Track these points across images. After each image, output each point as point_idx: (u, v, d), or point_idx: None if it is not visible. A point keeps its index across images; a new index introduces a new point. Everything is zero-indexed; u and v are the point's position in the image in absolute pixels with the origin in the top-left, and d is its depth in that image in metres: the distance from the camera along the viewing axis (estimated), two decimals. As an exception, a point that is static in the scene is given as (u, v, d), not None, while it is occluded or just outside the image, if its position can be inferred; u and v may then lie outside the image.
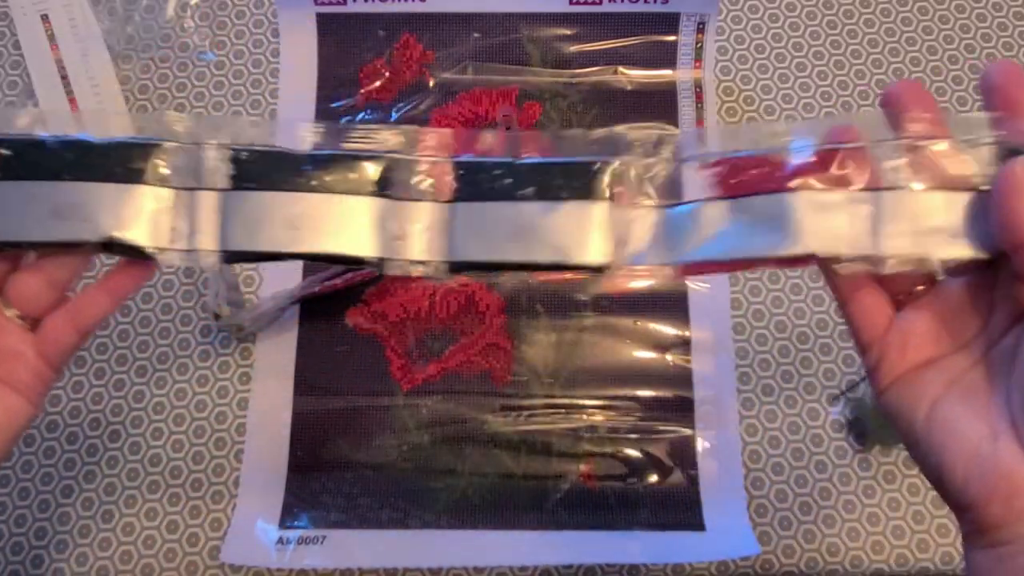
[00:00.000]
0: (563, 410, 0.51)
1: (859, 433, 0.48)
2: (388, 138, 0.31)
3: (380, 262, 0.30)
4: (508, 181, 0.30)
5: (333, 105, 0.56)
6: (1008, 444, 0.23)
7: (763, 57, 0.58)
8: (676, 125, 0.55)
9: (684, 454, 0.50)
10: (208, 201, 0.31)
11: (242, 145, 0.31)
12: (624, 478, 0.49)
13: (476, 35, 0.57)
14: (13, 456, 0.50)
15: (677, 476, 0.49)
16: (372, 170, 0.30)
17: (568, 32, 0.56)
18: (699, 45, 0.56)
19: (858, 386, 0.46)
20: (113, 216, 0.30)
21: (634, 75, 0.56)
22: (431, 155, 0.31)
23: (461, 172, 0.31)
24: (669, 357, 0.51)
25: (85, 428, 0.51)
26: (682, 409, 0.51)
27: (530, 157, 0.31)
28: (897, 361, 0.27)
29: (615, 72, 0.56)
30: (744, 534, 0.47)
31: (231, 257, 0.31)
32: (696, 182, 0.30)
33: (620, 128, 0.33)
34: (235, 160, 0.31)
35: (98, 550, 0.49)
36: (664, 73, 0.56)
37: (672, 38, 0.56)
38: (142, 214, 0.30)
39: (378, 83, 0.57)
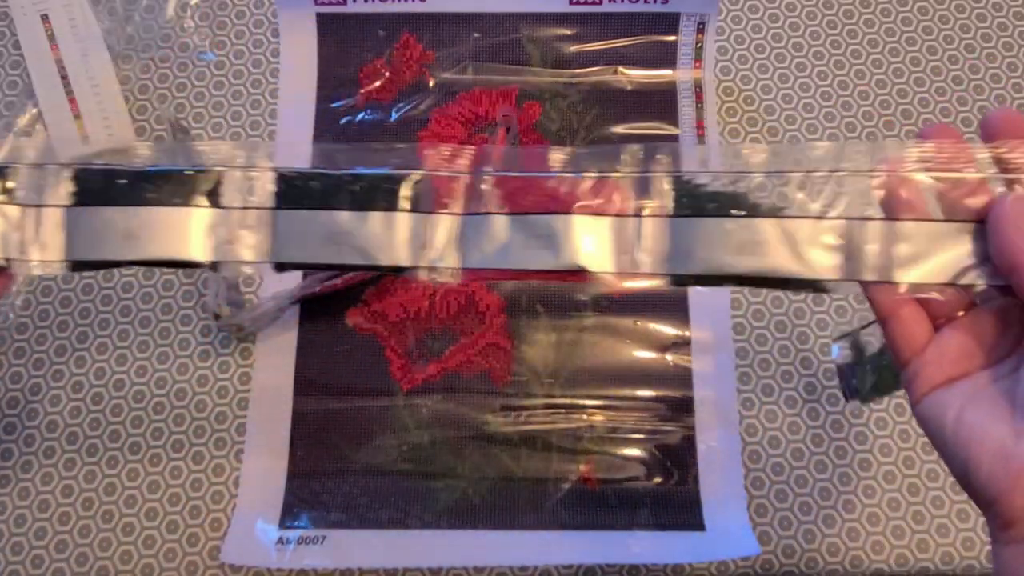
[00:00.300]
0: (563, 410, 0.51)
1: (852, 380, 0.43)
2: (221, 149, 0.35)
3: (213, 265, 0.34)
4: (325, 190, 0.35)
5: (333, 105, 0.56)
6: None
7: (763, 57, 0.58)
8: (676, 125, 0.56)
9: (684, 454, 0.50)
10: (53, 217, 0.34)
11: (83, 164, 0.35)
12: (624, 478, 0.49)
13: (476, 35, 0.57)
14: (13, 455, 0.50)
15: (677, 476, 0.49)
16: (203, 183, 0.34)
17: (568, 32, 0.56)
18: (699, 45, 0.56)
19: (867, 328, 0.40)
20: None
21: (634, 75, 0.56)
22: (268, 167, 0.35)
23: (282, 183, 0.35)
24: (669, 357, 0.51)
25: (85, 428, 0.51)
26: (682, 409, 0.51)
27: (348, 168, 0.35)
28: (933, 376, 0.29)
29: (615, 72, 0.56)
30: (744, 534, 0.47)
31: (76, 266, 0.35)
32: (490, 196, 0.34)
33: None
34: (76, 179, 0.35)
35: (98, 550, 0.49)
36: (664, 73, 0.56)
37: (672, 38, 0.56)
38: None
39: (378, 83, 0.57)
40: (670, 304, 0.52)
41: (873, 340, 0.41)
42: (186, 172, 0.35)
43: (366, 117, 0.56)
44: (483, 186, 0.34)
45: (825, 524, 0.49)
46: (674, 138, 0.55)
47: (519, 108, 0.56)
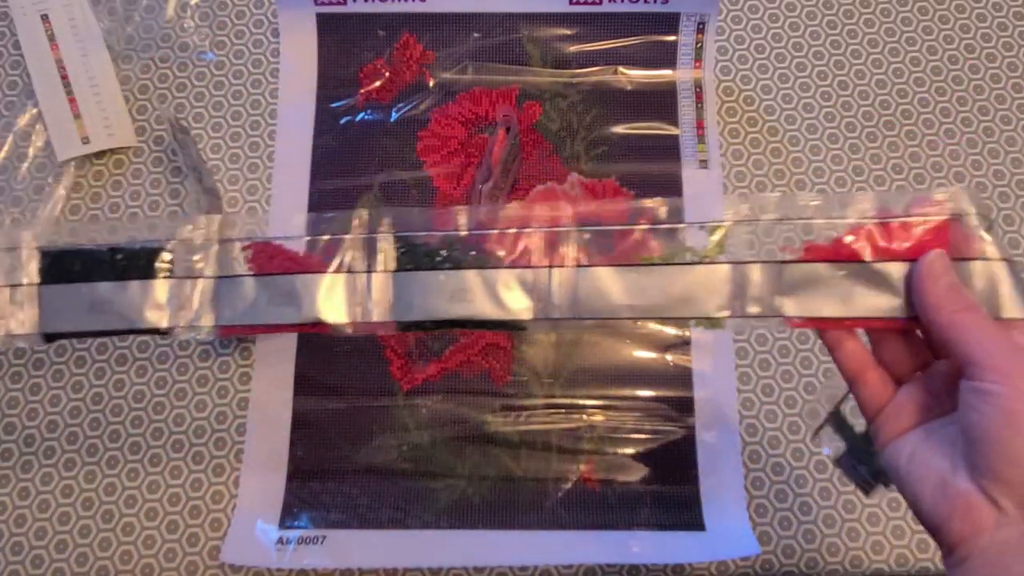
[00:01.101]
0: (563, 410, 0.51)
1: (859, 468, 0.41)
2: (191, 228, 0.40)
3: (169, 330, 0.39)
4: (87, 265, 0.40)
5: (333, 105, 0.56)
6: (963, 474, 0.29)
7: (763, 57, 0.58)
8: (676, 125, 0.56)
9: (684, 454, 0.50)
10: (27, 292, 0.40)
11: (48, 248, 0.40)
12: (624, 478, 0.49)
13: (476, 35, 0.57)
14: (13, 456, 0.50)
15: (677, 476, 0.49)
16: (160, 258, 0.39)
17: (568, 32, 0.56)
18: (699, 45, 0.56)
19: (842, 404, 0.39)
20: None
21: (634, 75, 0.56)
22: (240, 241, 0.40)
23: (46, 260, 0.40)
24: (669, 357, 0.51)
25: (85, 428, 0.51)
26: (682, 409, 0.51)
27: (107, 244, 0.40)
28: (894, 427, 0.33)
29: (615, 72, 0.56)
30: (744, 534, 0.47)
31: (50, 337, 0.40)
32: (240, 260, 0.39)
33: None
34: (43, 256, 0.40)
35: (98, 550, 0.49)
36: (664, 73, 0.56)
37: (672, 38, 0.56)
38: None
39: (378, 83, 0.57)
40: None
41: (858, 421, 0.40)
42: (147, 250, 0.40)
43: (366, 117, 0.56)
44: (234, 251, 0.39)
45: (825, 524, 0.49)
46: (674, 138, 0.55)
47: (519, 108, 0.56)
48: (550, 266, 0.37)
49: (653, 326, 0.52)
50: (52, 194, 0.55)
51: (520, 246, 0.38)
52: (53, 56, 0.56)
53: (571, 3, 0.56)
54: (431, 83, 0.57)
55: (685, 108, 0.56)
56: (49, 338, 0.40)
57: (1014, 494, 0.28)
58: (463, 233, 0.38)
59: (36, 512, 0.49)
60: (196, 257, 0.39)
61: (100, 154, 0.56)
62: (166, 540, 0.49)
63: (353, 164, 0.55)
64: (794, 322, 0.35)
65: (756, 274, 0.36)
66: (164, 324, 0.39)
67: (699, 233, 0.37)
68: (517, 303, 0.38)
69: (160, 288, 0.39)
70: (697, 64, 0.56)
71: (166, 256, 0.39)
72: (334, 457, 0.50)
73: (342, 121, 0.56)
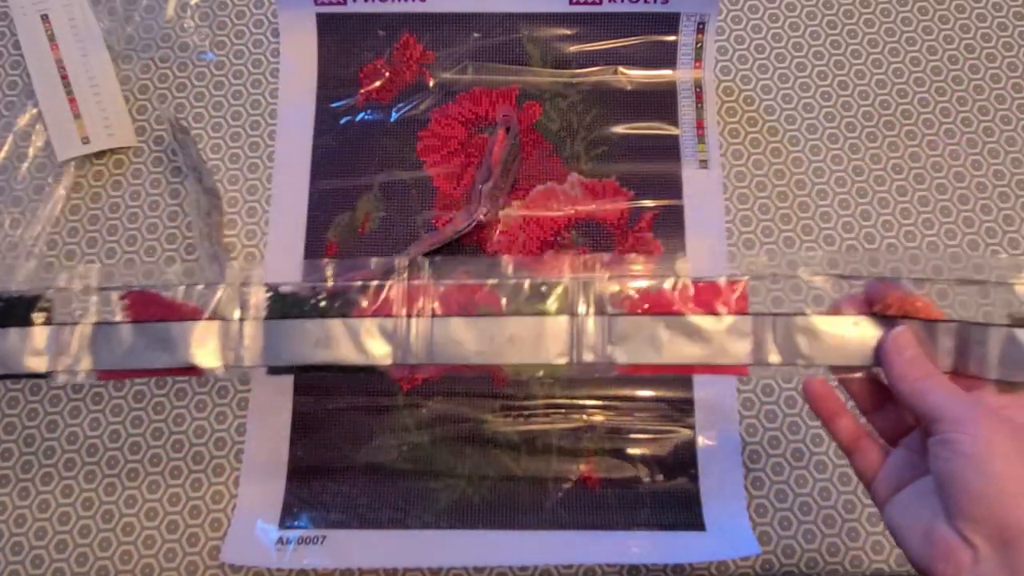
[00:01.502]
0: (563, 410, 0.51)
1: None
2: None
3: (49, 374, 0.41)
4: None
5: (333, 105, 0.56)
6: (942, 519, 0.32)
7: (763, 57, 0.58)
8: (676, 125, 0.56)
9: (684, 454, 0.50)
10: None
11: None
12: (624, 478, 0.49)
13: (476, 35, 0.57)
14: (13, 456, 0.50)
15: (677, 476, 0.49)
16: (39, 306, 0.41)
17: (568, 32, 0.56)
18: (699, 45, 0.56)
19: None
20: None
21: (634, 75, 0.56)
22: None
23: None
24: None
25: (85, 428, 0.51)
26: (682, 409, 0.51)
27: None
28: (888, 489, 0.36)
29: (615, 72, 0.56)
30: (744, 534, 0.47)
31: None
32: (116, 308, 0.41)
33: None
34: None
35: (98, 550, 0.49)
36: (664, 73, 0.56)
37: (672, 38, 0.56)
38: None
39: (378, 83, 0.57)
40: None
41: None
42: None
43: (366, 117, 0.56)
44: (112, 299, 0.41)
45: (825, 524, 0.49)
46: (674, 138, 0.55)
47: (519, 108, 0.56)
48: (408, 315, 0.41)
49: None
50: (52, 194, 0.55)
51: (381, 296, 0.41)
52: (53, 56, 0.56)
53: (571, 3, 0.56)
54: (431, 83, 0.57)
55: (685, 108, 0.56)
56: None
57: (984, 531, 0.31)
58: (329, 284, 0.42)
59: (36, 512, 0.49)
60: (74, 305, 0.41)
61: (100, 154, 0.56)
62: (166, 540, 0.49)
63: (353, 164, 0.55)
64: (622, 368, 0.40)
65: (590, 325, 0.40)
66: (43, 369, 0.41)
67: (542, 290, 0.41)
68: (378, 349, 0.41)
69: (39, 335, 0.41)
70: (697, 64, 0.56)
71: (44, 304, 0.41)
72: (334, 457, 0.50)
73: (342, 121, 0.56)
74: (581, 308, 0.40)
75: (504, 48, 0.57)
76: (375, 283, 0.41)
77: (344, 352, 0.41)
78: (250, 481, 0.50)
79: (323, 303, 0.41)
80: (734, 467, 0.50)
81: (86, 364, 0.41)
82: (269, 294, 0.42)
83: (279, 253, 0.54)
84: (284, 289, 0.42)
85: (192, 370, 0.41)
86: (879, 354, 0.37)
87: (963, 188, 0.55)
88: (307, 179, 0.55)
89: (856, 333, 0.38)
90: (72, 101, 0.56)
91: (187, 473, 0.50)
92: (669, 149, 0.55)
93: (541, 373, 0.41)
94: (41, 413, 0.51)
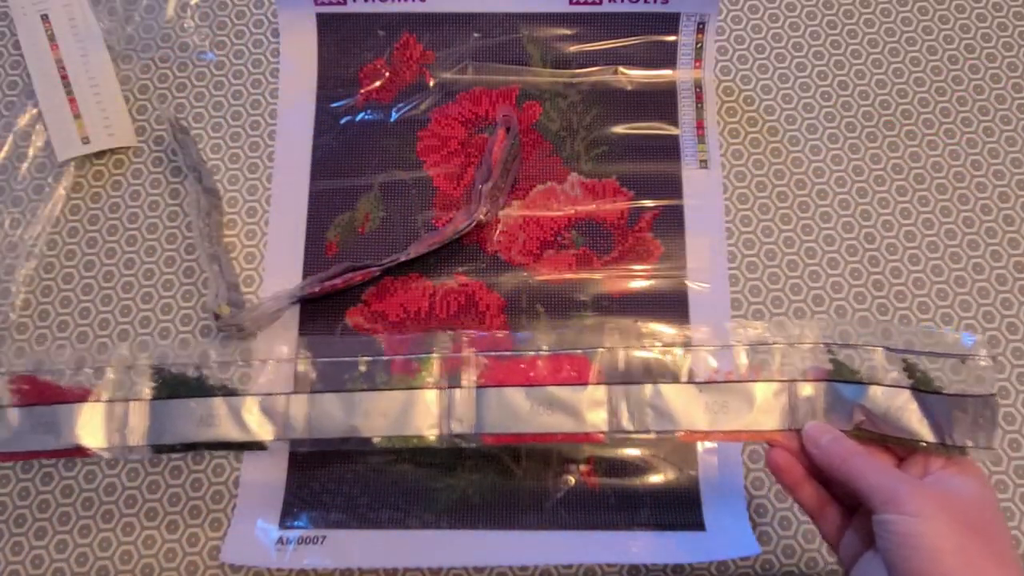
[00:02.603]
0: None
1: None
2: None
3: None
4: None
5: (333, 105, 0.56)
6: None
7: (763, 57, 0.58)
8: (676, 125, 0.56)
9: (684, 454, 0.50)
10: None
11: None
12: (624, 478, 0.49)
13: (476, 35, 0.57)
14: (13, 456, 0.50)
15: (677, 476, 0.49)
16: None
17: (568, 32, 0.56)
18: (699, 45, 0.56)
19: None
20: None
21: (634, 75, 0.56)
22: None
23: None
24: (669, 358, 0.51)
25: (85, 428, 0.51)
26: (682, 409, 0.50)
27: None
28: (851, 552, 0.38)
29: (615, 72, 0.56)
30: (744, 534, 0.47)
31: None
32: (4, 392, 0.43)
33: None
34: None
35: (98, 550, 0.49)
36: (664, 73, 0.56)
37: (672, 38, 0.56)
38: None
39: (378, 83, 0.57)
40: (670, 304, 0.52)
41: None
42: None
43: (366, 117, 0.56)
44: (0, 385, 0.44)
45: (825, 524, 0.49)
46: (674, 138, 0.55)
47: (519, 108, 0.56)
48: (287, 393, 0.44)
49: (654, 326, 0.52)
50: (52, 194, 0.55)
51: (263, 376, 0.44)
52: (53, 56, 0.56)
53: (571, 3, 0.56)
54: (431, 83, 0.57)
55: (685, 108, 0.56)
56: None
57: None
58: (214, 363, 0.44)
59: (36, 512, 0.49)
60: None
61: (100, 154, 0.56)
62: (166, 540, 0.49)
63: (353, 164, 0.55)
64: (488, 438, 0.43)
65: (459, 397, 0.43)
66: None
67: (413, 364, 0.44)
68: (259, 426, 0.44)
69: None
70: (697, 64, 0.56)
71: None
72: (334, 457, 0.50)
73: (342, 121, 0.56)
74: (451, 381, 0.44)
75: (504, 48, 0.57)
76: (257, 362, 0.45)
77: (226, 430, 0.43)
78: (250, 481, 0.50)
79: (209, 382, 0.44)
80: (734, 467, 0.50)
81: None
82: (156, 375, 0.44)
83: (279, 253, 0.54)
84: (172, 370, 0.45)
85: (78, 451, 0.43)
86: (805, 451, 0.40)
87: (963, 188, 0.55)
88: (307, 179, 0.55)
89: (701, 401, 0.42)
90: (72, 101, 0.56)
91: (187, 473, 0.50)
92: (669, 149, 0.55)
93: (415, 443, 0.44)
94: (41, 413, 0.51)
